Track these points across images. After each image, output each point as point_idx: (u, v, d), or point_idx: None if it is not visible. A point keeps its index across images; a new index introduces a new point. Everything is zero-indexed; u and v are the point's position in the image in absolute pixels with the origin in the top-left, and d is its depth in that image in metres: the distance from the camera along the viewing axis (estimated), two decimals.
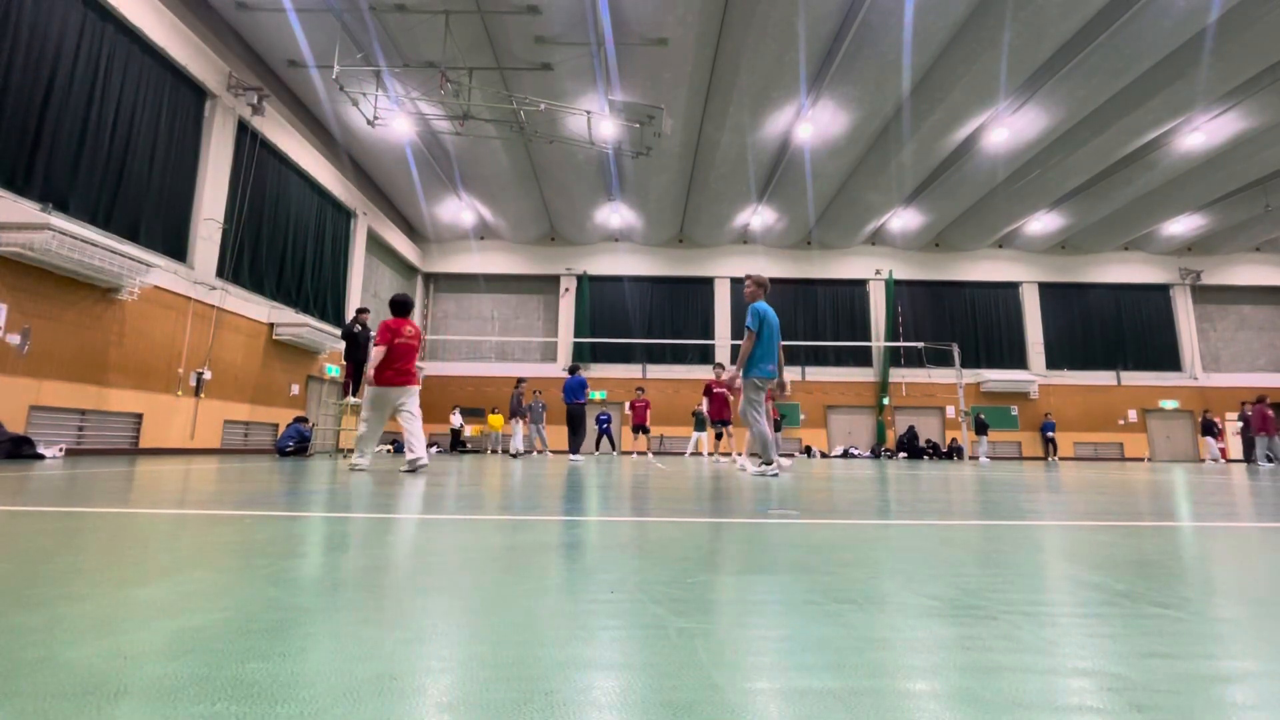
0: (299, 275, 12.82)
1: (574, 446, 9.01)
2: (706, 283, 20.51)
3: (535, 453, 14.37)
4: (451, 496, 2.64)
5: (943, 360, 19.90)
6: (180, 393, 9.55)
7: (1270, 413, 12.84)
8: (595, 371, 19.77)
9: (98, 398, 8.10)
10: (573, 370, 9.49)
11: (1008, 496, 3.08)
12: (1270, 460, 12.88)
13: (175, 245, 9.63)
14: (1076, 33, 10.85)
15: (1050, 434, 17.59)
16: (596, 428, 15.85)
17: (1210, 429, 15.70)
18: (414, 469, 4.87)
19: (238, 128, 10.89)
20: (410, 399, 5.32)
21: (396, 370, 5.29)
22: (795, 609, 0.87)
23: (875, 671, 0.62)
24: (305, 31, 10.96)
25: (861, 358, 20.12)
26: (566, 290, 20.28)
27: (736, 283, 20.53)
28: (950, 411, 19.87)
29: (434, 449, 17.92)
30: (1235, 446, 19.23)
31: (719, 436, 10.07)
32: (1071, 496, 3.15)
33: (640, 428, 13.85)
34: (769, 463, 4.73)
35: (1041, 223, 18.45)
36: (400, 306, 5.46)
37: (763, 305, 5.07)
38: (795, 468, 5.36)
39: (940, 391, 19.78)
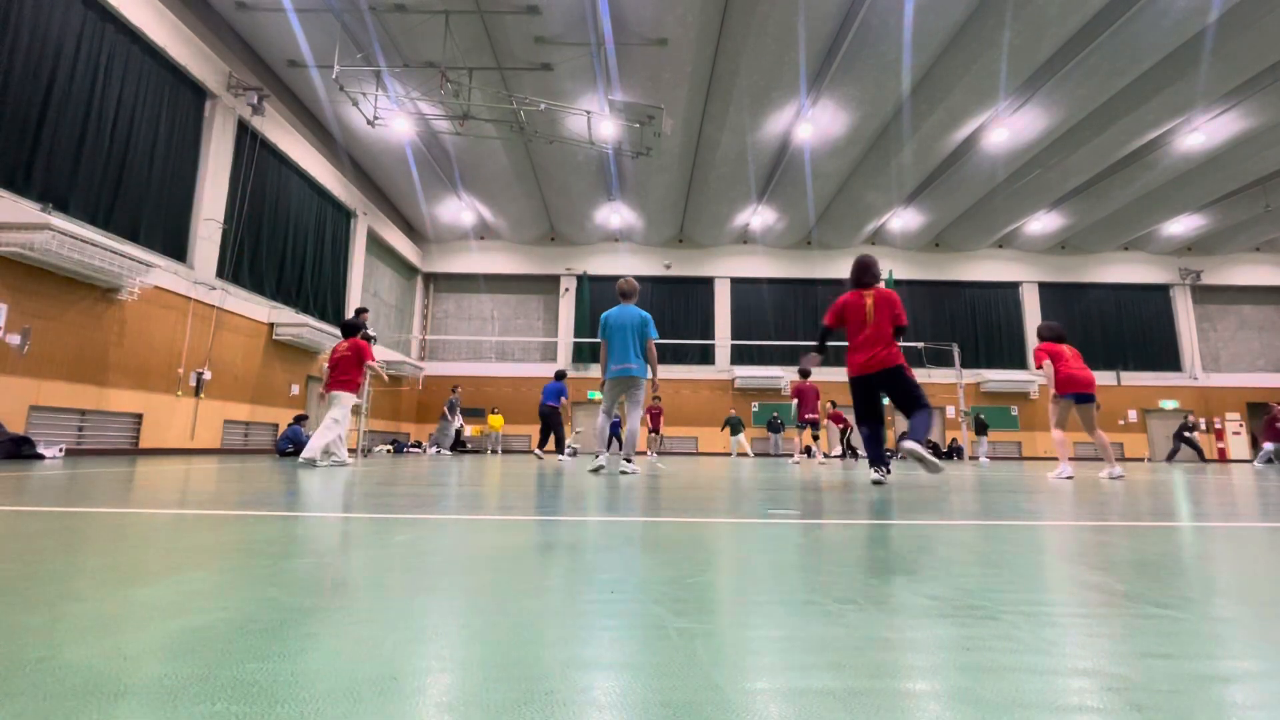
0: (299, 275, 12.82)
1: (555, 447, 9.38)
2: (706, 283, 20.51)
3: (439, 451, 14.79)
4: (451, 496, 2.64)
5: (943, 360, 19.89)
6: (180, 393, 9.55)
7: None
8: (595, 372, 19.77)
9: (98, 398, 8.10)
10: (559, 375, 9.85)
11: (1007, 497, 3.08)
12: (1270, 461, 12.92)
13: (175, 245, 9.63)
14: (1076, 33, 10.85)
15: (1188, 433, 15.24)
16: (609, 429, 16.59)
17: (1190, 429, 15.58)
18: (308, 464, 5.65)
19: (238, 128, 10.89)
20: (334, 404, 6.16)
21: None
22: (795, 609, 0.87)
23: (875, 671, 0.62)
24: (305, 31, 10.96)
25: None
26: (566, 290, 20.28)
27: (737, 283, 20.54)
28: (950, 412, 19.86)
29: (434, 449, 17.91)
30: (1236, 447, 19.20)
31: (815, 438, 10.54)
32: (1072, 497, 3.14)
33: (653, 430, 15.73)
34: (597, 456, 5.23)
35: (1041, 223, 18.44)
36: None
37: (607, 312, 5.37)
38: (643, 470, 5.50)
39: (940, 391, 19.77)
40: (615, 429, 15.76)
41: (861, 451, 18.79)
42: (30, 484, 2.94)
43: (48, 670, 0.59)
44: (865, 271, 4.42)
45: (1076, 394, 5.74)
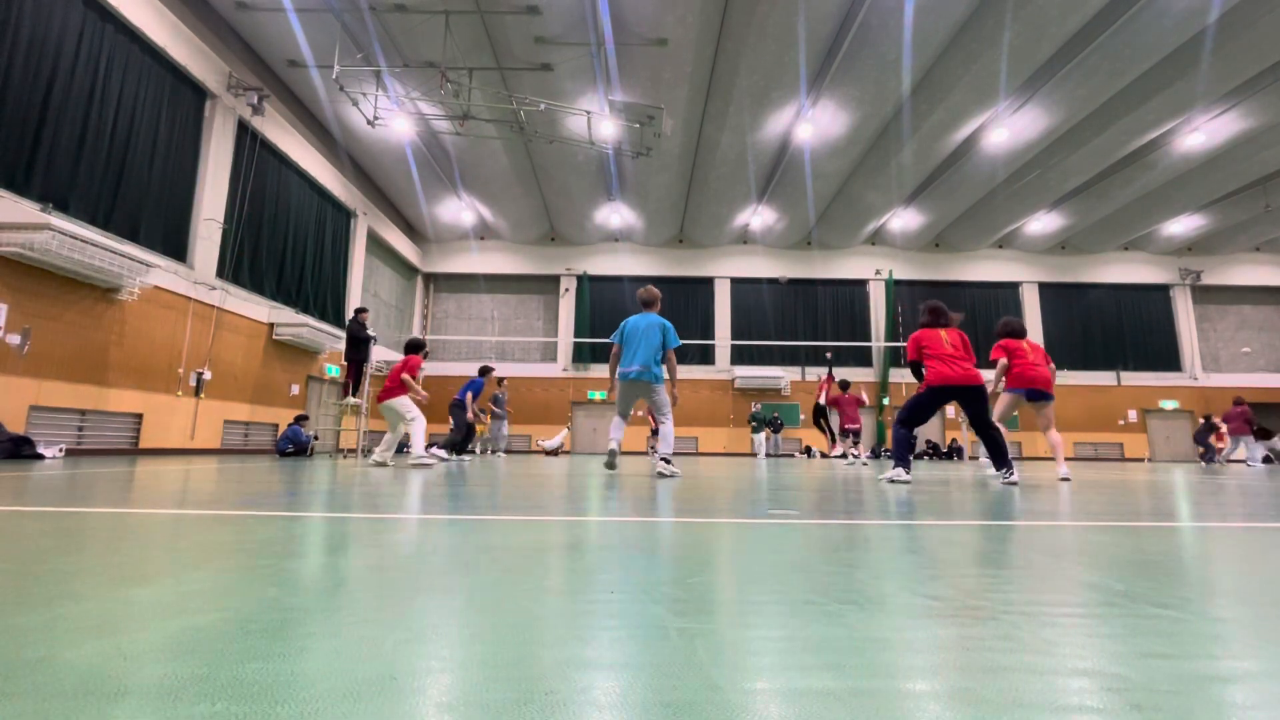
0: (299, 275, 12.82)
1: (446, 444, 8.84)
2: (706, 283, 20.51)
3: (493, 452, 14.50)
4: (450, 497, 2.64)
5: None
6: (180, 393, 9.55)
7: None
8: (596, 372, 19.78)
9: (98, 398, 8.10)
10: (481, 371, 9.47)
11: (1006, 497, 3.08)
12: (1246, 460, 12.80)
13: (175, 245, 9.63)
14: (1076, 33, 10.85)
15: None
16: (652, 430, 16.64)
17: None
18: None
19: (238, 128, 10.89)
20: (388, 412, 6.60)
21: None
22: (795, 609, 0.87)
23: (875, 671, 0.62)
24: (305, 31, 10.96)
25: (862, 358, 20.12)
26: (566, 290, 20.28)
27: (737, 283, 20.55)
28: (950, 411, 19.86)
29: (433, 449, 17.83)
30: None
31: (855, 443, 10.81)
32: (1073, 498, 3.14)
33: (654, 431, 15.66)
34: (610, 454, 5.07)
35: (1041, 223, 18.44)
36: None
37: (628, 319, 5.27)
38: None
39: None
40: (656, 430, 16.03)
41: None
42: (30, 484, 2.94)
43: (47, 670, 0.59)
44: (939, 314, 4.85)
45: (1029, 391, 5.67)
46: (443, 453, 8.29)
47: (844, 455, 10.73)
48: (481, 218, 19.05)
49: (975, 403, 4.51)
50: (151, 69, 9.13)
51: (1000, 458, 4.47)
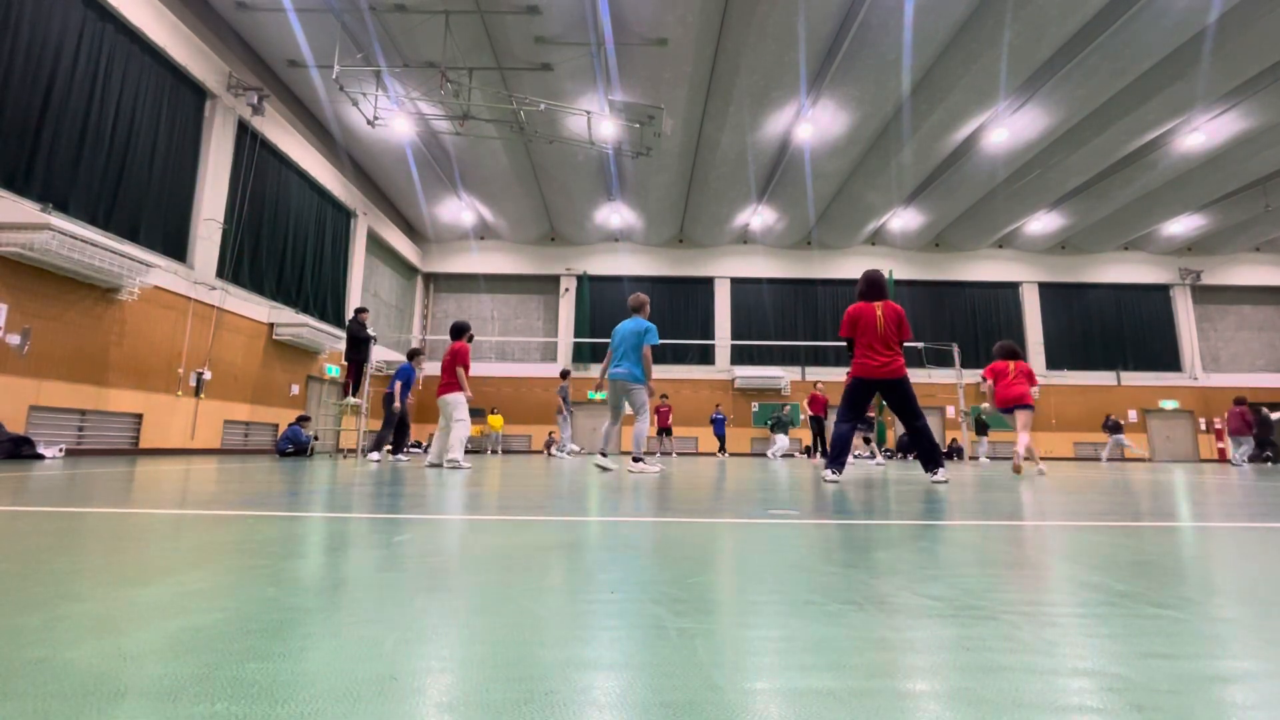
0: (299, 275, 12.82)
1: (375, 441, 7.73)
2: (706, 283, 20.51)
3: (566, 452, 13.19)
4: (450, 497, 2.64)
5: (943, 360, 19.89)
6: (180, 393, 9.55)
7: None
8: (596, 372, 19.77)
9: (97, 398, 8.10)
10: (412, 355, 8.27)
11: (1007, 497, 3.08)
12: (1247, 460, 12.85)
13: (175, 245, 9.63)
14: (1076, 33, 10.85)
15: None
16: (713, 428, 17.22)
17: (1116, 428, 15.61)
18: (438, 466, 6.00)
19: (238, 128, 10.89)
20: (444, 407, 6.43)
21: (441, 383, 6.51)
22: (795, 609, 0.87)
23: (875, 671, 0.62)
24: (305, 31, 10.96)
25: None
26: (566, 290, 20.28)
27: (737, 283, 20.55)
28: (950, 412, 19.87)
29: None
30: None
31: (866, 440, 11.07)
32: (1074, 497, 3.14)
33: (664, 430, 15.94)
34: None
35: (1041, 223, 18.44)
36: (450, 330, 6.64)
37: (619, 324, 5.66)
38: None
39: (940, 392, 19.78)
40: (719, 428, 16.71)
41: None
42: (30, 484, 2.94)
43: (47, 670, 0.59)
44: (874, 286, 4.67)
45: (1010, 408, 6.49)
46: (376, 455, 7.37)
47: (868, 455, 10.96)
48: (481, 218, 19.05)
49: (894, 395, 4.43)
50: (151, 69, 9.12)
51: (928, 458, 4.39)
